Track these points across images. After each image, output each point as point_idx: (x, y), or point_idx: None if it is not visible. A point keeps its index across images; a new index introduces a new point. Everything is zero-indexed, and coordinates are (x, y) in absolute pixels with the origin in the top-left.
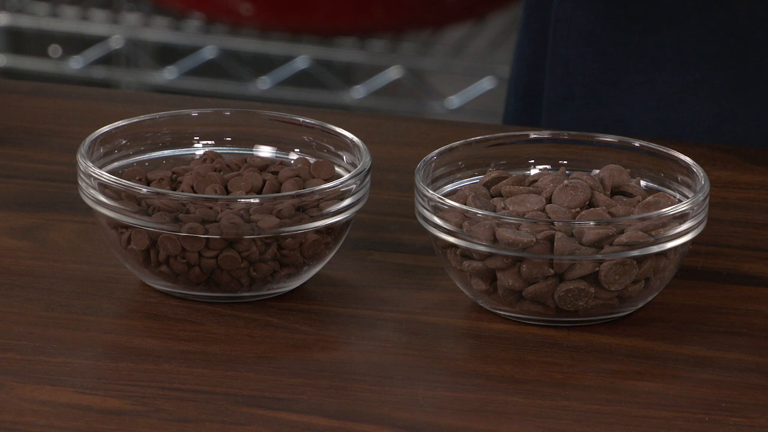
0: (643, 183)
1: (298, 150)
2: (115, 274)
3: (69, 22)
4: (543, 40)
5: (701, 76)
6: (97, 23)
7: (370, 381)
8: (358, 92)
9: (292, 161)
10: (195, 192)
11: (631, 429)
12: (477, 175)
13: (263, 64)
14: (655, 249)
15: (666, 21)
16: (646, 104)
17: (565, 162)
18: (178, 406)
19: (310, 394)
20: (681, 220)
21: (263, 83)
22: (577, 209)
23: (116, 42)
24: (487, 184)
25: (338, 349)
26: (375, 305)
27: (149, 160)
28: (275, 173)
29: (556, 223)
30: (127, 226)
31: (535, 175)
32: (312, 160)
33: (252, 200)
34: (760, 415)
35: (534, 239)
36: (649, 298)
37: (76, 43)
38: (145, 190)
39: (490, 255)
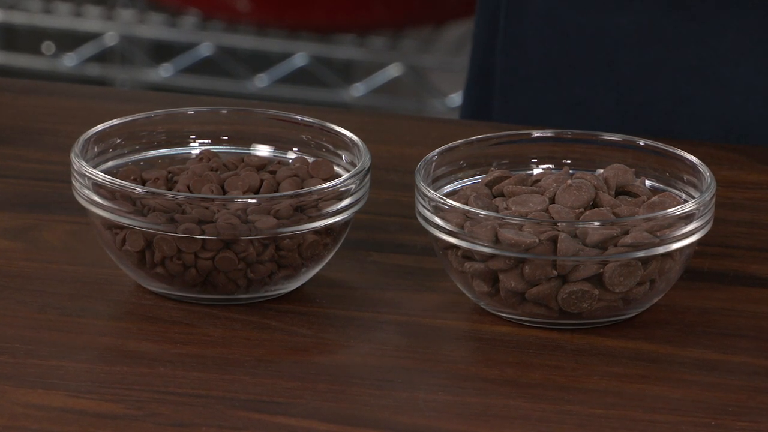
0: (648, 183)
1: (296, 149)
2: (110, 276)
3: (62, 18)
4: (497, 21)
5: (660, 58)
6: (91, 20)
7: (369, 384)
8: (357, 90)
9: (291, 160)
10: (191, 192)
11: None
12: (479, 175)
13: (261, 62)
14: (661, 250)
15: (624, 1)
16: (605, 85)
17: (569, 161)
18: (173, 410)
19: (308, 397)
20: (687, 220)
21: (261, 81)
22: (581, 209)
23: (111, 39)
24: (489, 184)
25: (337, 352)
26: (375, 307)
27: (144, 160)
28: (273, 173)
29: (559, 223)
30: (121, 227)
31: (538, 174)
32: (310, 160)
33: (249, 200)
34: (767, 419)
35: (537, 240)
36: (654, 300)
37: (69, 40)
38: (140, 190)
39: (492, 256)
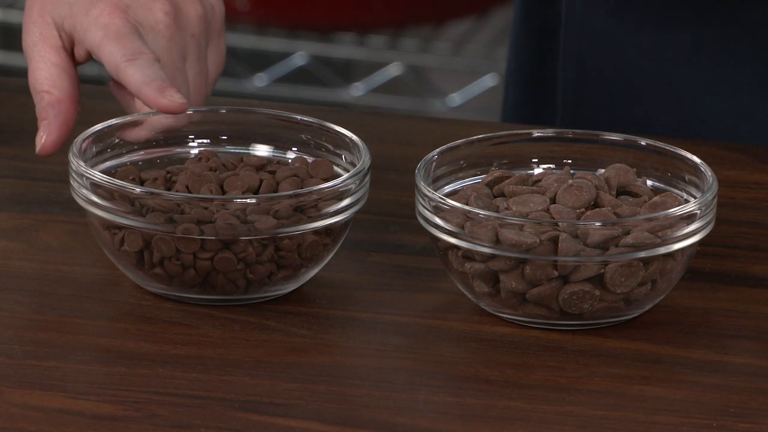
0: (649, 183)
1: (295, 149)
2: (108, 276)
3: None
4: (544, 35)
5: (719, 74)
6: None
7: (369, 386)
8: (357, 89)
9: (290, 160)
10: (190, 192)
11: None
12: (479, 175)
13: (260, 61)
14: (662, 250)
15: (681, 18)
16: (664, 103)
17: (570, 161)
18: (172, 411)
19: (308, 399)
20: (688, 220)
21: (260, 80)
22: (582, 210)
23: None
24: (490, 184)
25: (337, 353)
26: (374, 308)
27: (143, 160)
28: (272, 173)
29: (560, 223)
30: (120, 227)
31: (539, 174)
32: (310, 159)
33: (249, 200)
34: None
35: (538, 240)
36: (656, 301)
37: None
38: (138, 189)
39: (492, 256)
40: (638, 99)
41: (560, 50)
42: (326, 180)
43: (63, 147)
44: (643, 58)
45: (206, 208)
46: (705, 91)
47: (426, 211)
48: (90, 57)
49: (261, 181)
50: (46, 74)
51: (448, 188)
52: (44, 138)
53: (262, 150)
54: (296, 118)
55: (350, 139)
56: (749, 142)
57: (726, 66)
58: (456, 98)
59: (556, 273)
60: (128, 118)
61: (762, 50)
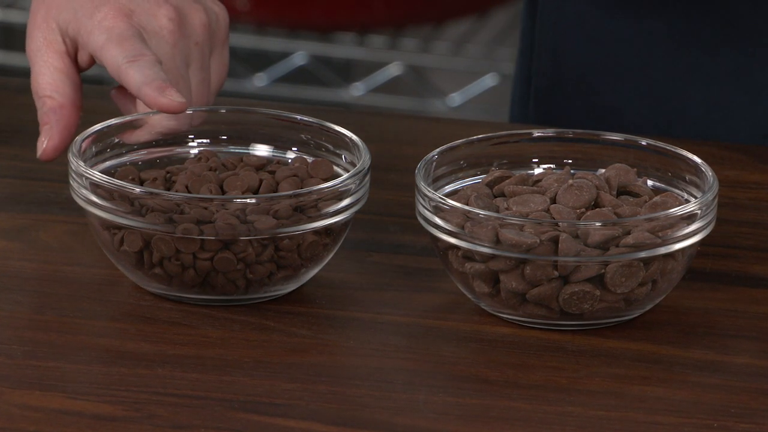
0: (649, 183)
1: (295, 149)
2: (108, 277)
3: None
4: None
5: (694, 63)
6: None
7: (369, 386)
8: (357, 89)
9: (290, 160)
10: (190, 192)
11: None
12: (479, 175)
13: (260, 61)
14: (663, 250)
15: (657, 6)
16: (638, 92)
17: (570, 161)
18: (172, 411)
19: (307, 399)
20: (689, 220)
21: (260, 80)
22: (582, 210)
23: None
24: (490, 184)
25: (337, 353)
26: (374, 308)
27: (143, 160)
28: (272, 173)
29: (560, 223)
30: (119, 227)
31: (539, 174)
32: (310, 159)
33: (248, 200)
34: None
35: (538, 240)
36: (656, 301)
37: None
38: (138, 189)
39: (492, 257)
40: (612, 88)
41: (535, 37)
42: (326, 180)
43: (64, 152)
44: (617, 47)
45: (206, 208)
46: (680, 81)
47: (426, 211)
48: (93, 63)
49: (261, 181)
50: (49, 79)
51: (448, 188)
52: (46, 143)
53: (262, 150)
54: (296, 118)
55: (350, 139)
56: (723, 132)
57: (701, 56)
58: (456, 98)
59: (556, 273)
60: (128, 118)
61: (737, 40)
